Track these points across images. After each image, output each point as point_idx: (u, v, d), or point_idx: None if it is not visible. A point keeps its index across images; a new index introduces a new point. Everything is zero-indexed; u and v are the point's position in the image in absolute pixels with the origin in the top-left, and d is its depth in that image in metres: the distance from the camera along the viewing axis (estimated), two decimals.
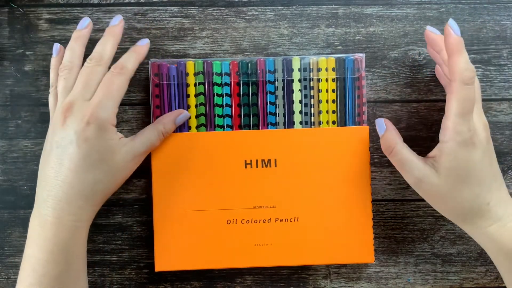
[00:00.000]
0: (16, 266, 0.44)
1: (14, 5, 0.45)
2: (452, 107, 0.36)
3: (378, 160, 0.45)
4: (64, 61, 0.40)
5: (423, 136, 0.45)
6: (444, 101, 0.45)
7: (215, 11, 0.45)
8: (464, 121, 0.35)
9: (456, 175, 0.36)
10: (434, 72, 0.45)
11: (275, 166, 0.42)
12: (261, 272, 0.45)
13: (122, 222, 0.44)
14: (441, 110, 0.45)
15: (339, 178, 0.42)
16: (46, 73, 0.44)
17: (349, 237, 0.42)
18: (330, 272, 0.45)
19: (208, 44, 0.45)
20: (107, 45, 0.40)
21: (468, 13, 0.45)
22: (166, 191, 0.42)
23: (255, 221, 0.42)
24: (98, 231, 0.44)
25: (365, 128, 0.42)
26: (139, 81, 0.44)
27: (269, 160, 0.42)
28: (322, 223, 0.42)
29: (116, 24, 0.41)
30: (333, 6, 0.45)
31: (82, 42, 0.41)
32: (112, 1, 0.45)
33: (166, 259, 0.42)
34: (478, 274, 0.45)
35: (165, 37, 0.45)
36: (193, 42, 0.45)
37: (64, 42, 0.44)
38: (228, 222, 0.42)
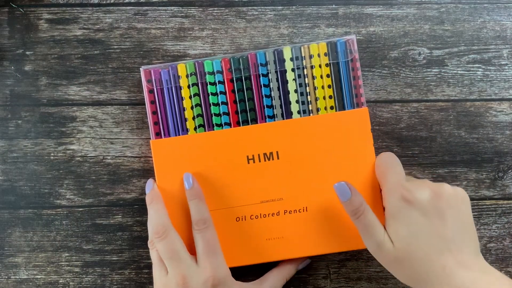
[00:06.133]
0: (16, 266, 0.44)
1: (14, 5, 0.45)
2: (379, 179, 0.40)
3: None
4: (157, 225, 0.39)
5: (423, 136, 0.45)
6: (444, 101, 0.45)
7: (215, 11, 0.45)
8: (393, 184, 0.37)
9: (405, 237, 0.36)
10: (434, 72, 0.45)
11: (278, 158, 0.41)
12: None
13: (122, 222, 0.44)
14: (441, 110, 0.45)
15: (343, 163, 0.41)
16: (46, 73, 0.44)
17: None
18: (330, 272, 0.45)
19: (208, 44, 0.45)
20: (200, 208, 0.40)
21: (468, 13, 0.45)
22: (170, 195, 0.41)
23: (264, 216, 0.41)
24: (98, 231, 0.44)
25: (364, 109, 0.41)
26: (139, 82, 0.44)
27: (271, 153, 0.41)
28: (332, 211, 0.41)
29: (193, 186, 0.40)
30: (333, 6, 0.45)
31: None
32: (112, 1, 0.45)
33: None
34: None
35: (165, 37, 0.45)
36: (193, 42, 0.45)
37: (64, 42, 0.44)
38: (237, 219, 0.41)
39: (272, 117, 0.42)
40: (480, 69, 0.45)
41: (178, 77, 0.42)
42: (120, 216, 0.44)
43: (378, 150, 0.44)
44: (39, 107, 0.44)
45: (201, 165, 0.41)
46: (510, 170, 0.45)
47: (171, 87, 0.42)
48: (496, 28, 0.45)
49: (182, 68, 0.42)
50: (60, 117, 0.44)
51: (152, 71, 0.42)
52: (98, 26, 0.45)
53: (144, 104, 0.44)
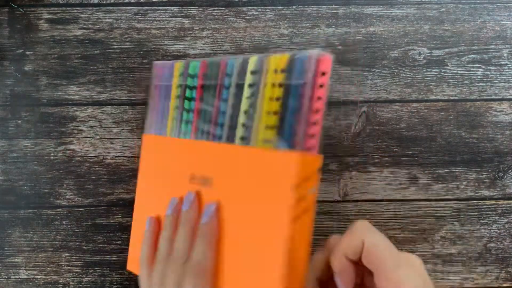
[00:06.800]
0: (16, 266, 0.44)
1: (14, 5, 0.45)
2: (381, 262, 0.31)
3: (379, 160, 0.45)
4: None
5: (423, 136, 0.45)
6: (444, 101, 0.45)
7: (215, 11, 0.45)
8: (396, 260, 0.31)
9: None
10: (434, 72, 0.45)
11: (211, 186, 0.33)
12: None
13: (122, 222, 0.44)
14: (441, 110, 0.45)
15: (252, 222, 0.30)
16: (46, 73, 0.44)
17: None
18: None
19: (208, 44, 0.45)
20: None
21: (468, 13, 0.45)
22: (145, 193, 0.39)
23: None
24: (98, 231, 0.44)
25: (293, 155, 0.28)
26: (139, 82, 0.44)
27: (207, 179, 0.33)
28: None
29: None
30: (333, 6, 0.45)
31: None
32: (112, 1, 0.45)
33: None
34: (478, 274, 0.45)
35: (165, 37, 0.45)
36: (193, 42, 0.45)
37: (64, 42, 0.44)
38: None
39: (220, 137, 0.34)
40: (480, 69, 0.45)
41: (173, 75, 0.39)
42: (120, 216, 0.44)
43: (378, 150, 0.44)
44: (39, 107, 0.44)
45: (162, 170, 0.37)
46: (510, 170, 0.45)
47: (165, 85, 0.40)
48: (496, 28, 0.45)
49: (178, 66, 0.38)
50: (60, 117, 0.44)
51: (162, 65, 0.39)
52: (98, 26, 0.45)
53: (144, 104, 0.44)
